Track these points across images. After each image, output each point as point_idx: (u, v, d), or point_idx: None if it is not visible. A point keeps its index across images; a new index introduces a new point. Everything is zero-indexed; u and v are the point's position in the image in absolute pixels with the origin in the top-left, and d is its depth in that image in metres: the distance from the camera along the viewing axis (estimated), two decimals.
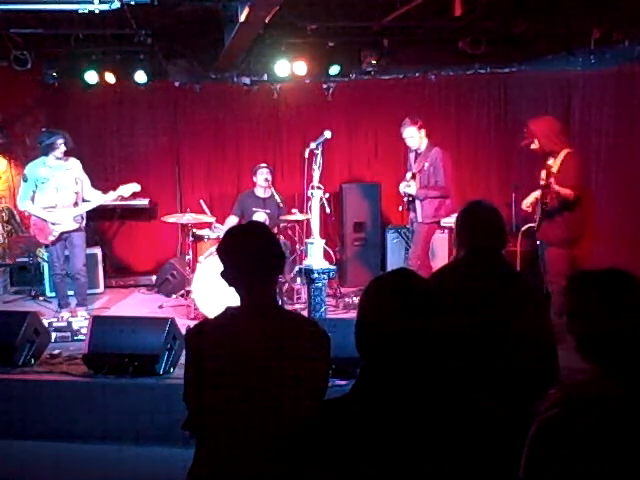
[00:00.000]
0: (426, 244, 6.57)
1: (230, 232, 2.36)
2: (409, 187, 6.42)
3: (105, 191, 6.62)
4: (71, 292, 6.76)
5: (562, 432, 1.61)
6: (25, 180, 6.42)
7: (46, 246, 6.59)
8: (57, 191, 6.38)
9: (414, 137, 6.41)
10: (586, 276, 1.78)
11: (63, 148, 6.33)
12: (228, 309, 2.27)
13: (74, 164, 6.49)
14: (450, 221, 7.66)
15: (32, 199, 6.39)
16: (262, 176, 7.39)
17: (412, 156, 6.61)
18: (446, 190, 6.38)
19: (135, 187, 6.60)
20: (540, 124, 5.64)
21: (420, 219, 6.45)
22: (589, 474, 1.58)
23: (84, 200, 6.53)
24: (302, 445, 1.63)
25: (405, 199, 6.64)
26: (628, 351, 1.65)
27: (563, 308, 1.75)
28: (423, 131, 6.43)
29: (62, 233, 6.41)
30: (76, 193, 6.46)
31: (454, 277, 2.83)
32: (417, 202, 6.46)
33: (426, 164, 6.36)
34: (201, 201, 7.53)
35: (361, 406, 1.58)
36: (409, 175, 6.51)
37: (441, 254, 7.58)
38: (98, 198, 6.56)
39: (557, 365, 2.61)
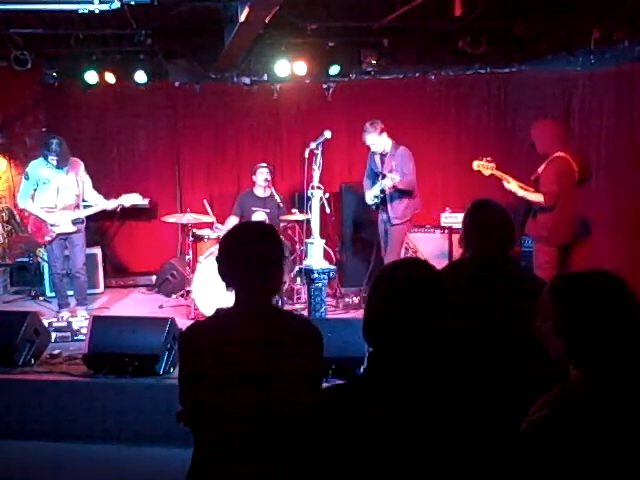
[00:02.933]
0: (402, 244, 6.72)
1: (232, 231, 2.35)
2: (388, 180, 6.31)
3: (106, 195, 6.64)
4: (71, 292, 6.76)
5: (550, 434, 1.61)
6: (27, 178, 6.41)
7: (45, 245, 6.59)
8: (57, 192, 6.37)
9: (376, 143, 6.53)
10: (570, 278, 1.77)
11: (55, 163, 6.29)
12: (219, 310, 2.26)
13: (77, 166, 6.48)
14: (448, 221, 7.72)
15: (32, 198, 6.39)
16: (262, 176, 7.39)
17: (377, 158, 6.66)
18: (412, 184, 6.49)
19: (137, 198, 6.64)
20: (538, 127, 5.92)
21: (392, 220, 6.55)
22: (576, 475, 1.58)
23: (84, 201, 6.53)
24: (307, 433, 1.65)
25: (371, 201, 6.70)
26: (614, 353, 1.65)
27: (548, 311, 1.73)
28: (384, 134, 6.52)
29: (59, 234, 6.41)
30: (77, 195, 6.45)
31: (460, 276, 2.82)
32: (388, 203, 6.52)
33: (394, 163, 6.41)
34: (204, 201, 7.52)
35: (369, 394, 1.61)
36: (389, 176, 6.43)
37: (441, 254, 7.59)
38: (99, 203, 6.54)
39: (564, 367, 2.57)
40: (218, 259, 2.26)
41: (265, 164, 7.53)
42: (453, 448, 1.56)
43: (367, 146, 6.67)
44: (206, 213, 7.38)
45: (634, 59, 6.77)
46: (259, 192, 7.48)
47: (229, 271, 2.23)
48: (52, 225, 6.35)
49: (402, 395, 1.59)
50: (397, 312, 1.61)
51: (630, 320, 1.65)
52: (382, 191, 6.53)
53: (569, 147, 6.09)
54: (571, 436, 1.59)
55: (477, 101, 8.34)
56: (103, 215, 6.67)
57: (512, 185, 5.77)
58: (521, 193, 5.75)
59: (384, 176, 6.47)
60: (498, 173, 5.86)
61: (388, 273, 1.71)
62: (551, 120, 6.41)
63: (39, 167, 6.37)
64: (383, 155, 6.58)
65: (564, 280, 1.77)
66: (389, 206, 6.54)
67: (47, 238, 6.42)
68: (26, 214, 6.81)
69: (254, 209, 7.39)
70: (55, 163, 6.29)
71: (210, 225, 7.39)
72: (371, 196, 6.69)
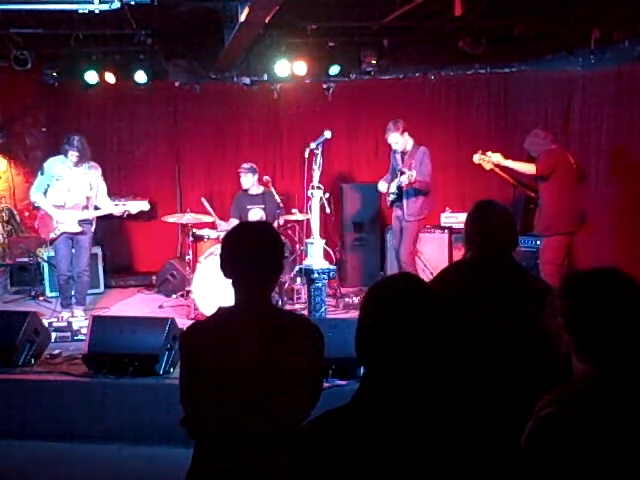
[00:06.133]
0: (416, 240, 6.82)
1: (232, 231, 2.35)
2: (405, 177, 6.39)
3: (107, 194, 6.67)
4: (72, 292, 6.76)
5: (556, 431, 1.60)
6: (42, 173, 6.47)
7: (51, 243, 6.59)
8: (68, 191, 6.41)
9: (399, 142, 6.63)
10: (582, 276, 1.77)
11: (75, 160, 6.34)
12: (221, 309, 2.27)
13: (94, 169, 6.51)
14: (449, 221, 7.72)
15: (45, 193, 6.43)
16: (241, 179, 7.38)
17: (398, 156, 6.75)
18: (432, 186, 6.65)
19: (144, 205, 6.69)
20: (528, 137, 6.22)
21: (407, 217, 6.63)
22: (583, 473, 1.58)
23: (96, 207, 6.55)
24: (301, 458, 1.60)
25: (391, 197, 6.74)
26: (624, 351, 1.65)
27: (558, 308, 1.73)
28: (406, 134, 6.62)
29: (63, 233, 6.43)
30: (87, 198, 6.48)
31: (461, 277, 2.81)
32: (404, 200, 6.60)
33: (413, 162, 6.49)
34: (202, 199, 7.51)
35: (363, 416, 1.56)
36: (407, 173, 6.56)
37: (441, 254, 7.58)
38: (107, 207, 6.58)
39: (569, 366, 2.55)
40: (220, 258, 2.27)
41: (246, 166, 7.40)
42: (456, 472, 1.52)
43: (389, 144, 6.73)
44: (206, 213, 7.38)
45: (634, 59, 6.78)
46: (253, 190, 7.48)
47: (230, 270, 2.24)
48: (58, 222, 6.38)
49: (400, 422, 1.53)
50: (387, 328, 1.56)
51: (639, 317, 1.66)
52: (399, 188, 6.58)
53: (562, 146, 6.25)
54: (581, 433, 1.59)
55: (477, 101, 8.35)
56: (103, 215, 6.68)
57: (508, 162, 6.08)
58: (514, 165, 6.04)
59: (402, 173, 6.54)
60: (502, 161, 6.08)
61: (377, 289, 1.66)
62: (539, 128, 6.55)
63: (55, 164, 6.41)
64: (404, 153, 6.68)
65: (576, 277, 1.77)
66: (404, 203, 6.62)
67: (52, 235, 6.44)
68: (33, 211, 6.82)
69: (249, 207, 7.41)
70: (75, 159, 6.33)
71: (210, 225, 7.39)
72: (387, 190, 6.79)
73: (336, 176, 8.33)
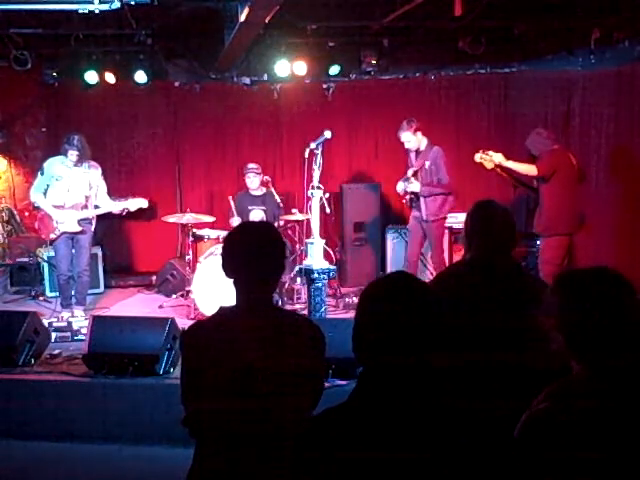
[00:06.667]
0: (442, 241, 6.78)
1: (234, 231, 2.36)
2: (412, 185, 6.52)
3: (107, 194, 6.67)
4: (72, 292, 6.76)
5: (549, 427, 1.61)
6: (42, 173, 6.48)
7: (51, 243, 6.59)
8: (68, 191, 6.42)
9: (411, 141, 6.56)
10: (574, 275, 1.78)
11: (75, 159, 6.35)
12: (222, 309, 2.27)
13: (93, 169, 6.52)
14: (449, 221, 7.71)
15: (45, 193, 6.44)
16: (249, 180, 7.39)
17: (412, 155, 6.71)
18: (449, 187, 6.54)
19: (143, 203, 6.69)
20: (530, 135, 6.16)
21: (425, 217, 6.56)
22: (573, 468, 1.59)
23: (96, 206, 6.56)
24: (300, 455, 1.61)
25: (407, 197, 6.72)
26: (615, 350, 1.65)
27: (551, 307, 1.74)
28: (419, 133, 6.56)
29: (63, 233, 6.43)
30: (87, 197, 6.48)
31: (460, 278, 2.81)
32: (421, 200, 6.55)
33: (427, 162, 6.49)
34: (229, 197, 7.49)
35: (360, 414, 1.56)
36: (410, 172, 6.60)
37: None
38: (107, 206, 6.59)
39: (567, 365, 2.58)
40: (221, 258, 2.27)
41: (253, 166, 7.44)
42: (451, 471, 1.52)
43: (401, 143, 6.65)
44: (205, 213, 7.39)
45: (634, 59, 6.79)
46: (254, 191, 7.48)
47: (231, 270, 2.24)
48: (58, 222, 6.39)
49: (397, 420, 1.54)
50: (384, 328, 1.56)
51: (630, 317, 1.66)
52: (411, 192, 6.59)
53: (563, 146, 6.22)
54: (572, 429, 1.60)
55: (477, 101, 8.34)
56: (103, 214, 6.69)
57: (509, 163, 6.00)
58: (515, 166, 5.98)
59: (415, 173, 6.54)
60: (504, 162, 6.02)
61: (374, 288, 1.67)
62: (541, 127, 6.52)
63: (55, 164, 6.43)
64: (418, 152, 6.64)
65: (568, 276, 1.78)
66: (422, 204, 6.55)
67: (52, 235, 6.45)
68: (33, 211, 6.82)
69: (250, 208, 7.41)
70: (75, 159, 6.34)
71: (210, 225, 7.39)
72: (401, 187, 6.75)
73: (336, 176, 8.32)
